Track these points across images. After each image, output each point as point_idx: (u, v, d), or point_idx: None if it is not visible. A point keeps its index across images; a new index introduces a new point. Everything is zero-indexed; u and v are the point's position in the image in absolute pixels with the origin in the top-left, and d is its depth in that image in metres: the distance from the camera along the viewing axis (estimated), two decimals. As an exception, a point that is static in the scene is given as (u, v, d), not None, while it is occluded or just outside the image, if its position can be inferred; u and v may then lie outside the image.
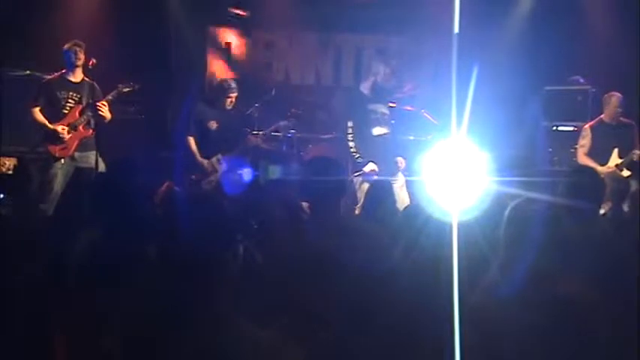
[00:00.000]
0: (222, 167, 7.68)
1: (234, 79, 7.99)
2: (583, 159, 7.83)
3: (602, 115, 7.94)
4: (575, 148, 8.14)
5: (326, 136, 8.74)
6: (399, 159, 7.18)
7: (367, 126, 7.20)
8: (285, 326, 2.54)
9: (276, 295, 2.72)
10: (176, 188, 4.69)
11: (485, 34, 8.71)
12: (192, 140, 7.70)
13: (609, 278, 2.96)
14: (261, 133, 8.01)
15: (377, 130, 7.26)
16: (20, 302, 2.93)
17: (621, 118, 7.84)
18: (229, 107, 7.77)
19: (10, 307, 2.90)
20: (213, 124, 7.71)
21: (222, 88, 7.80)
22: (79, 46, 7.09)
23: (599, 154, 7.74)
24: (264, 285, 2.87)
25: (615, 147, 7.68)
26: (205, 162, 7.66)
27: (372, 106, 7.29)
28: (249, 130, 7.98)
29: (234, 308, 2.44)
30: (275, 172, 7.59)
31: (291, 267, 3.17)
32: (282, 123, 8.25)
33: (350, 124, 7.16)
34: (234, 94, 7.75)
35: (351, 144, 7.10)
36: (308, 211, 5.06)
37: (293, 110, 8.67)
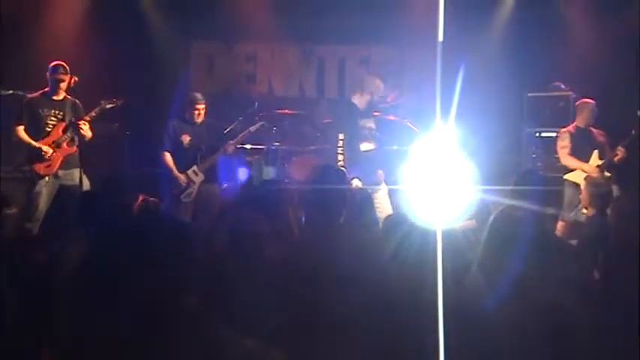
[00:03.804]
0: (199, 179, 7.75)
1: (200, 92, 8.08)
2: (566, 159, 7.83)
3: (576, 122, 7.99)
4: (559, 153, 8.15)
5: (310, 148, 8.75)
6: (379, 172, 7.21)
7: (357, 140, 7.20)
8: (274, 331, 2.54)
9: (260, 302, 2.73)
10: (152, 200, 4.69)
11: (467, 43, 8.74)
12: (167, 155, 7.80)
13: (593, 283, 2.98)
14: (232, 141, 8.02)
15: (365, 146, 7.26)
16: (8, 316, 2.93)
17: (591, 128, 7.88)
18: (199, 120, 7.86)
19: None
20: (185, 138, 7.81)
21: (190, 102, 7.89)
22: (64, 68, 7.08)
23: (580, 156, 7.77)
24: (243, 293, 2.88)
25: (595, 148, 7.72)
26: (181, 176, 7.74)
27: (362, 121, 7.30)
28: (230, 142, 8.00)
29: (219, 315, 2.45)
30: (258, 182, 7.62)
31: (276, 274, 3.19)
32: (251, 128, 8.27)
33: (341, 136, 7.15)
34: (202, 106, 7.84)
35: (340, 157, 7.09)
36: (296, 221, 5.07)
37: (260, 114, 8.70)
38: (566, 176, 7.72)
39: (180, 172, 7.76)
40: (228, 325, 2.42)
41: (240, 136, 8.17)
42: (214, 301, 2.69)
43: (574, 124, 7.96)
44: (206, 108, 7.88)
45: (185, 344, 2.37)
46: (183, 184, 7.73)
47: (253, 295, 2.93)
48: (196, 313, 2.49)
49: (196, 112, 7.81)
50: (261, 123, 8.44)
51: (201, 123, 7.88)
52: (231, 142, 8.00)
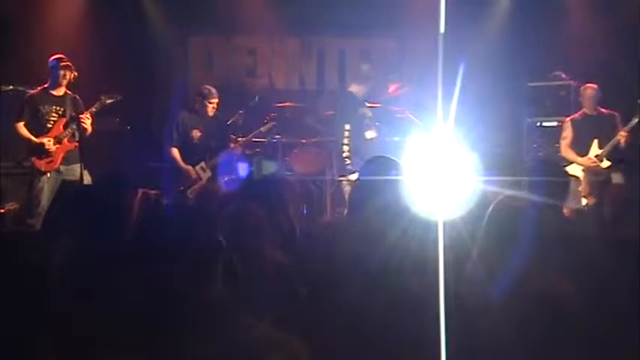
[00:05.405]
0: (206, 175, 7.69)
1: (214, 86, 7.99)
2: (565, 151, 7.87)
3: (583, 108, 8.00)
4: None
5: (312, 140, 8.75)
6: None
7: (361, 130, 7.21)
8: (275, 327, 2.55)
9: (264, 298, 2.74)
10: (153, 193, 4.69)
11: (467, 33, 8.74)
12: (175, 150, 7.74)
13: (592, 274, 2.97)
14: (242, 139, 8.01)
15: (369, 134, 7.28)
16: (8, 314, 2.93)
17: (602, 110, 7.89)
18: (211, 114, 7.80)
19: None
20: (196, 133, 7.74)
21: (203, 95, 7.80)
22: (67, 65, 7.07)
23: (581, 145, 7.78)
24: (249, 288, 2.89)
25: (595, 138, 7.71)
26: (190, 170, 7.68)
27: (363, 110, 7.31)
28: (233, 137, 7.99)
29: (220, 314, 2.45)
30: (260, 176, 7.62)
31: (280, 269, 3.19)
32: (262, 128, 8.26)
33: (347, 127, 7.15)
34: (215, 100, 7.78)
35: (345, 147, 7.09)
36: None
37: (272, 114, 8.68)
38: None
39: (188, 167, 7.72)
40: (228, 321, 2.43)
41: (250, 135, 8.14)
42: (216, 295, 2.69)
43: (581, 111, 7.98)
44: (219, 102, 7.83)
45: (188, 339, 2.37)
46: (192, 179, 7.68)
47: (253, 290, 2.94)
48: (198, 308, 2.49)
49: (210, 106, 7.73)
50: (273, 123, 8.41)
51: (213, 117, 7.84)
52: (241, 140, 7.97)
